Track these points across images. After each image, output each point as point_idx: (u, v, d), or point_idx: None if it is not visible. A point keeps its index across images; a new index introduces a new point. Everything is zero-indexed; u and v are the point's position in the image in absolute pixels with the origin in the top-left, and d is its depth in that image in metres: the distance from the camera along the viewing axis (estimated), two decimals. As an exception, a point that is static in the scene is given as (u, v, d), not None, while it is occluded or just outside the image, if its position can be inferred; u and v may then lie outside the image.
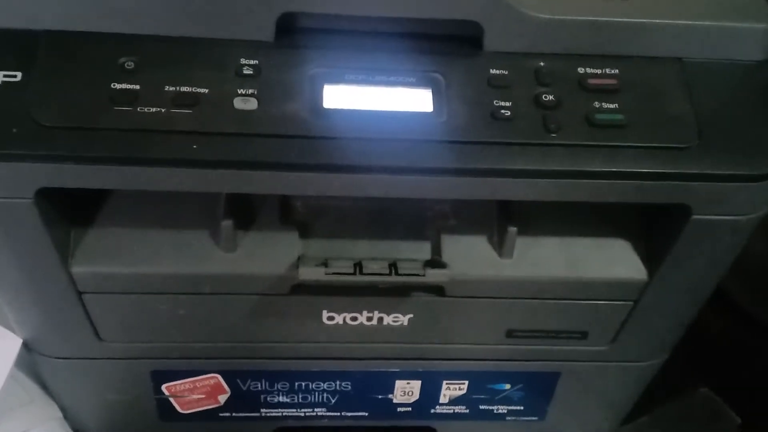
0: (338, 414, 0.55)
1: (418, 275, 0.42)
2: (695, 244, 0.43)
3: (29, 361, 0.53)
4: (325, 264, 0.42)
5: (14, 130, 0.36)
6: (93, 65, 0.38)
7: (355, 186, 0.39)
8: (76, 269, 0.42)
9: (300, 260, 0.42)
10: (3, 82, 0.37)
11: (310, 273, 0.41)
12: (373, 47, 0.41)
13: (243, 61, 0.39)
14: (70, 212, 0.42)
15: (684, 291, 0.47)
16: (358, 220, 0.46)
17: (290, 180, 0.38)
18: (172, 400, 0.52)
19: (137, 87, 0.38)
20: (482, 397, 0.54)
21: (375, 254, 0.44)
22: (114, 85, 0.38)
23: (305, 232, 0.45)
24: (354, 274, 0.41)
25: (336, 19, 0.40)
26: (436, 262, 0.43)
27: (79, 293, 0.44)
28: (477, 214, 0.46)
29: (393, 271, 0.42)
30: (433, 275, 0.42)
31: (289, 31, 0.40)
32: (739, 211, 0.42)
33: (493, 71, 0.41)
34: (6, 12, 0.38)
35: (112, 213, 0.44)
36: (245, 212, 0.44)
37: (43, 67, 0.38)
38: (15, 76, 0.37)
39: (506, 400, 0.54)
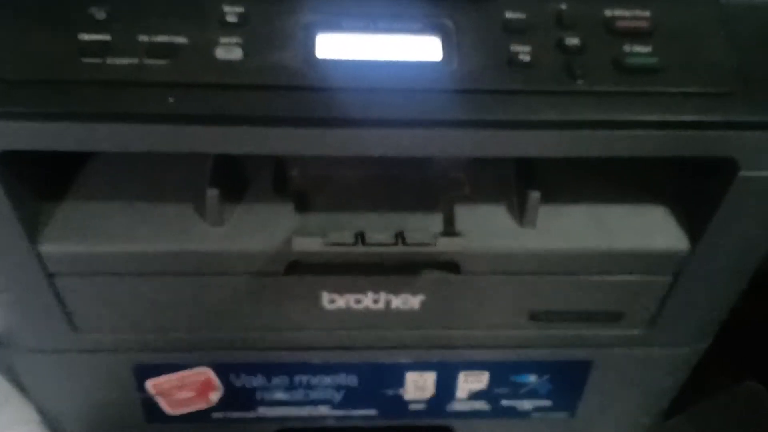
0: (344, 413, 0.52)
1: (428, 244, 0.39)
2: (743, 206, 0.40)
3: (4, 361, 0.51)
4: (323, 235, 0.39)
5: (-32, 85, 0.34)
6: (59, 15, 0.36)
7: (353, 143, 0.36)
8: (46, 248, 0.40)
9: (300, 226, 0.40)
10: (-39, 34, 0.35)
11: (306, 244, 0.38)
12: (373, -7, 0.39)
13: (226, 8, 0.37)
14: (38, 185, 0.40)
15: (730, 263, 0.44)
16: (361, 191, 0.43)
17: (280, 136, 0.36)
18: (158, 398, 0.49)
19: (108, 38, 0.36)
20: (505, 391, 0.51)
21: (380, 226, 0.41)
22: (82, 36, 0.36)
23: (302, 205, 0.42)
24: (356, 244, 0.38)
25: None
26: (448, 232, 0.40)
27: (50, 275, 0.41)
28: (494, 181, 0.44)
29: (400, 241, 0.39)
30: (446, 244, 0.39)
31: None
32: (792, 165, 0.39)
33: (509, 14, 0.38)
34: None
35: (85, 185, 0.42)
36: (234, 182, 0.42)
37: (6, 21, 0.36)
38: (-27, 28, 0.36)
39: (532, 394, 0.51)
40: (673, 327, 0.48)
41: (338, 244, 0.39)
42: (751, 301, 0.71)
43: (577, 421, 0.54)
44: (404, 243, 0.39)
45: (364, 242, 0.39)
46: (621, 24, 0.39)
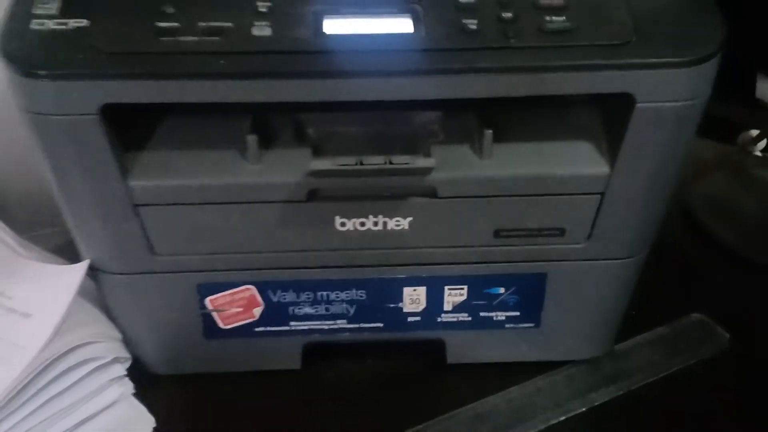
0: (357, 326, 0.61)
1: (408, 163, 0.49)
2: (644, 132, 0.50)
3: (96, 294, 0.60)
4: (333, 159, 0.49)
5: (81, 57, 0.45)
6: (141, 11, 0.47)
7: (352, 89, 0.47)
8: (133, 182, 0.51)
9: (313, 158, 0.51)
10: (75, 27, 0.46)
11: (321, 164, 0.49)
12: (362, -9, 0.50)
13: (258, 3, 0.48)
14: (125, 134, 0.50)
15: (645, 181, 0.52)
16: (361, 140, 0.53)
17: (299, 86, 0.47)
18: (214, 314, 0.59)
19: (177, 24, 0.47)
20: (481, 303, 0.60)
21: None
22: (158, 24, 0.47)
23: (317, 151, 0.53)
24: (356, 165, 0.49)
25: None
26: (425, 156, 0.51)
27: (135, 206, 0.52)
28: (459, 130, 0.53)
29: (389, 162, 0.49)
30: (421, 162, 0.49)
31: (295, -21, 0.50)
32: (678, 97, 0.48)
33: (461, 0, 0.49)
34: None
35: (159, 138, 0.52)
36: (268, 134, 0.53)
37: (104, 16, 0.47)
38: (83, 23, 0.47)
39: (503, 306, 0.60)
40: (607, 241, 0.56)
41: (345, 164, 0.49)
42: (688, 241, 0.80)
43: (543, 332, 0.63)
44: (392, 163, 0.49)
45: (362, 164, 0.49)
46: (543, 2, 0.49)
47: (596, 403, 0.63)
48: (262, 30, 0.47)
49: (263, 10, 0.48)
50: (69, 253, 0.62)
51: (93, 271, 0.57)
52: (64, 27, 0.47)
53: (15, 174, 0.79)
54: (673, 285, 0.75)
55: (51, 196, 0.76)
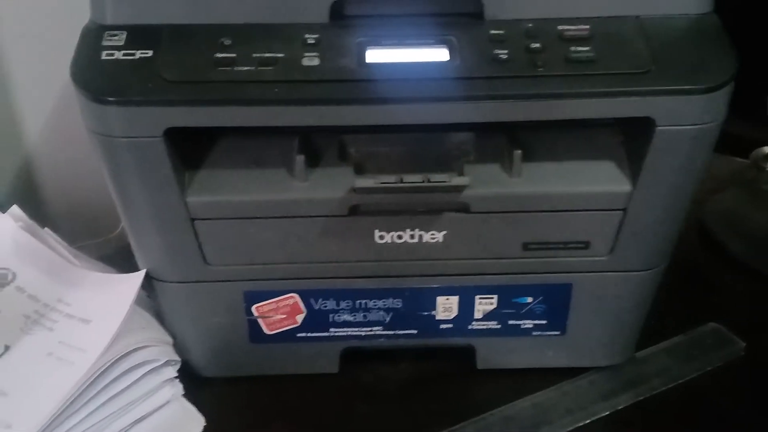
0: (392, 333, 0.64)
1: (445, 182, 0.52)
2: (664, 152, 0.53)
3: (149, 302, 0.64)
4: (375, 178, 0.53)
5: (149, 85, 0.49)
6: (202, 43, 0.52)
7: (393, 114, 0.51)
8: (191, 199, 0.54)
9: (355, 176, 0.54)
10: (141, 57, 0.51)
11: (364, 182, 0.52)
12: (403, 23, 0.53)
13: (307, 36, 0.52)
14: (183, 156, 0.54)
15: (665, 197, 0.56)
16: (398, 160, 0.56)
17: (344, 112, 0.50)
18: (260, 320, 0.63)
19: (234, 55, 0.51)
20: (510, 311, 0.63)
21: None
22: (217, 55, 0.51)
23: (359, 170, 0.56)
24: (397, 183, 0.52)
25: (373, 3, 0.53)
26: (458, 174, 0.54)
27: (192, 220, 0.55)
28: (491, 149, 0.57)
29: (427, 180, 0.52)
30: (458, 180, 0.53)
31: (339, 15, 0.53)
32: (696, 121, 0.51)
33: (492, 32, 0.53)
34: (138, 14, 0.52)
35: (214, 156, 0.56)
36: (314, 154, 0.56)
37: (167, 47, 0.51)
38: (148, 53, 0.51)
39: (530, 314, 0.63)
40: (629, 253, 0.59)
41: (386, 182, 0.52)
42: (703, 253, 0.83)
43: (567, 339, 0.66)
44: (429, 182, 0.52)
45: (402, 182, 0.53)
46: (568, 34, 0.52)
47: (619, 407, 0.65)
48: (311, 60, 0.51)
49: (311, 41, 0.52)
50: (112, 262, 0.67)
51: (148, 279, 0.61)
52: (131, 57, 0.51)
53: (62, 187, 0.85)
54: (689, 296, 0.78)
55: (95, 209, 0.81)
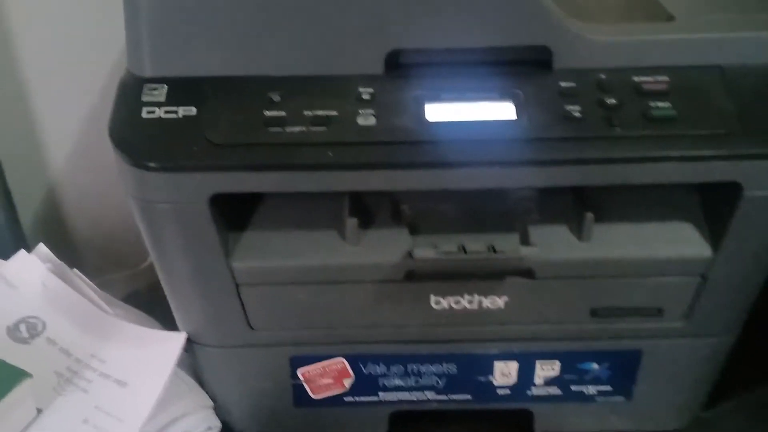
0: (445, 397, 0.60)
1: (512, 252, 0.48)
2: (750, 218, 0.48)
3: (186, 359, 0.61)
4: (435, 247, 0.49)
5: (194, 148, 0.46)
6: (248, 99, 0.48)
7: (455, 180, 0.47)
8: (236, 264, 0.51)
9: (414, 245, 0.50)
10: (184, 115, 0.47)
11: (424, 252, 0.48)
12: (463, 73, 0.49)
13: (361, 89, 0.48)
14: (228, 220, 0.51)
15: (748, 264, 0.51)
16: (457, 219, 0.53)
17: (404, 177, 0.47)
18: (305, 385, 0.59)
19: (283, 113, 0.47)
20: (573, 377, 0.59)
21: (475, 242, 0.50)
22: (266, 113, 0.47)
23: (413, 230, 0.52)
24: (459, 252, 0.48)
25: (431, 53, 0.49)
26: (526, 243, 0.50)
27: (237, 285, 0.52)
28: (556, 208, 0.53)
29: (491, 250, 0.48)
30: (525, 251, 0.49)
31: (395, 64, 0.49)
32: (786, 187, 0.47)
33: (562, 84, 0.48)
34: (180, 66, 0.48)
35: (259, 220, 0.53)
36: (365, 214, 0.52)
37: (212, 103, 0.48)
38: (192, 111, 0.47)
39: (595, 380, 0.59)
40: (705, 320, 0.55)
41: (447, 252, 0.48)
42: None
43: (633, 404, 0.61)
44: (494, 251, 0.48)
45: (465, 252, 0.48)
46: (646, 87, 0.48)
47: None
48: (366, 119, 0.47)
49: (366, 97, 0.48)
50: (143, 299, 0.64)
51: (189, 343, 0.58)
52: (174, 116, 0.47)
53: (88, 217, 0.82)
54: (755, 354, 0.73)
55: (121, 240, 0.77)
